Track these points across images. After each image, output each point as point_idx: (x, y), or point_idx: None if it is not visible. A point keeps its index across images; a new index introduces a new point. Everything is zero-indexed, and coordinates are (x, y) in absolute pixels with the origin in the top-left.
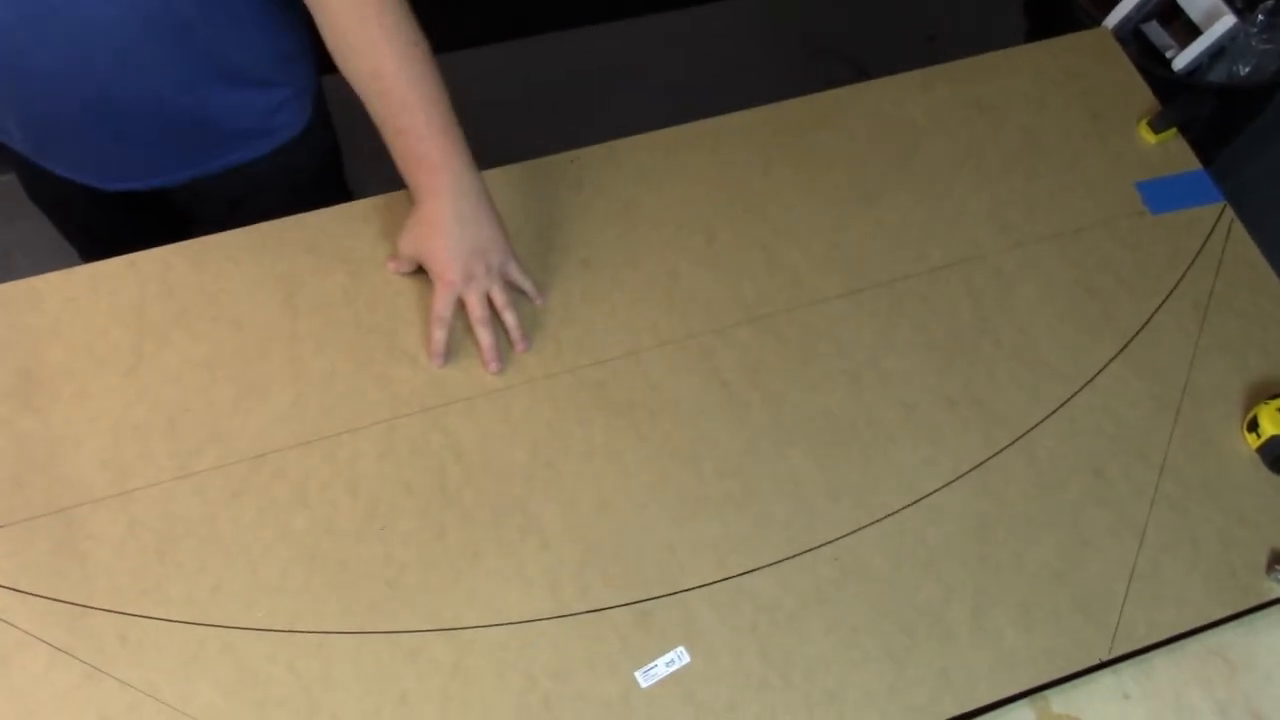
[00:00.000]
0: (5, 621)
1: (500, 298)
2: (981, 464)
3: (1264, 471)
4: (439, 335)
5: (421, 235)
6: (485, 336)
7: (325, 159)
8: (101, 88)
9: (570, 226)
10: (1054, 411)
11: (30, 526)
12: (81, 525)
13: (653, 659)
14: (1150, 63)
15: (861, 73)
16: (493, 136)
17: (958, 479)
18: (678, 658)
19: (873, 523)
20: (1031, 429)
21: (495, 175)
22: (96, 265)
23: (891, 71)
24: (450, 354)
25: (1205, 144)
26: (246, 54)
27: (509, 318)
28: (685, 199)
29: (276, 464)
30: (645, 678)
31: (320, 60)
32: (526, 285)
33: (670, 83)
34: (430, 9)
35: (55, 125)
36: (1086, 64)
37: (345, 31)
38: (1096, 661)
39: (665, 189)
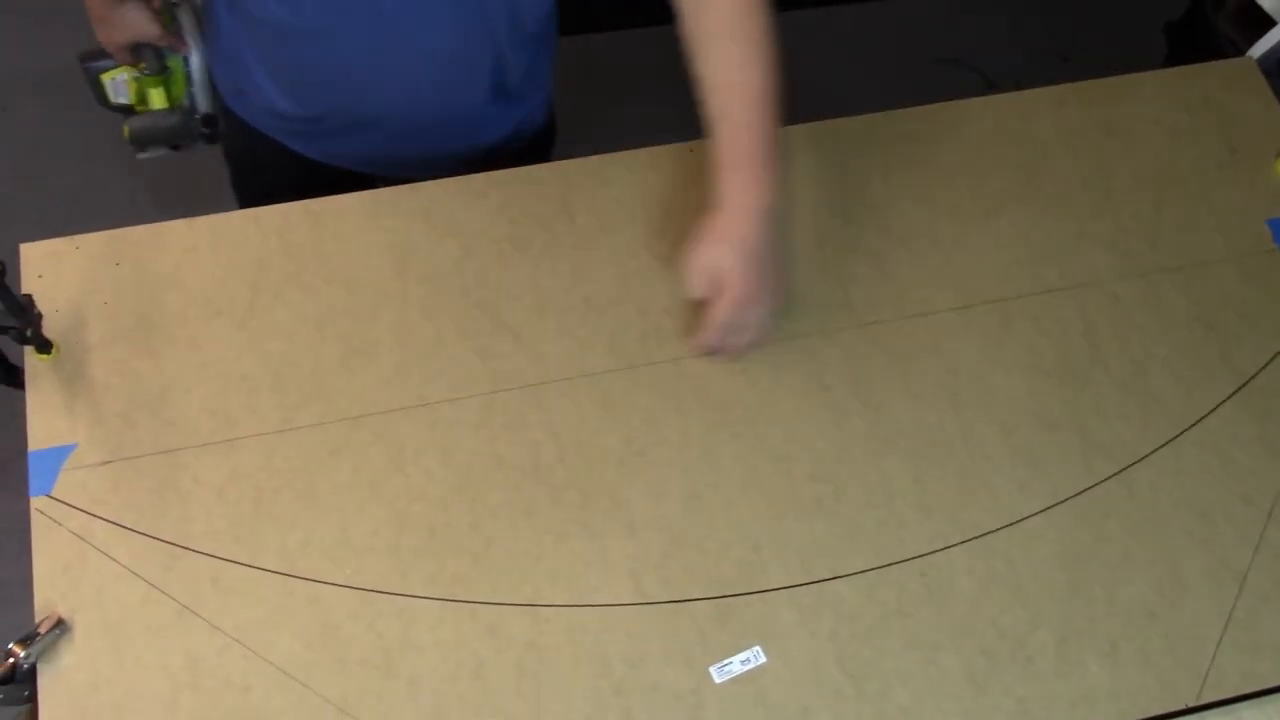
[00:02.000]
0: (105, 554)
1: (757, 337)
2: (1080, 493)
3: None
4: (711, 340)
5: (728, 248)
6: (731, 342)
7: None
8: (415, 109)
9: (683, 216)
10: (1160, 447)
11: (136, 465)
12: (186, 468)
13: (728, 655)
14: None
15: (990, 86)
16: (612, 121)
17: (1054, 506)
18: (753, 657)
19: (963, 541)
20: (1135, 462)
21: (614, 159)
22: (219, 217)
23: (1020, 88)
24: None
25: None
26: (531, 73)
27: (745, 339)
28: (800, 199)
29: (375, 426)
30: (719, 674)
31: None
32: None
33: (791, 82)
34: None
35: (351, 129)
36: (1226, 94)
37: (727, 17)
38: (1183, 706)
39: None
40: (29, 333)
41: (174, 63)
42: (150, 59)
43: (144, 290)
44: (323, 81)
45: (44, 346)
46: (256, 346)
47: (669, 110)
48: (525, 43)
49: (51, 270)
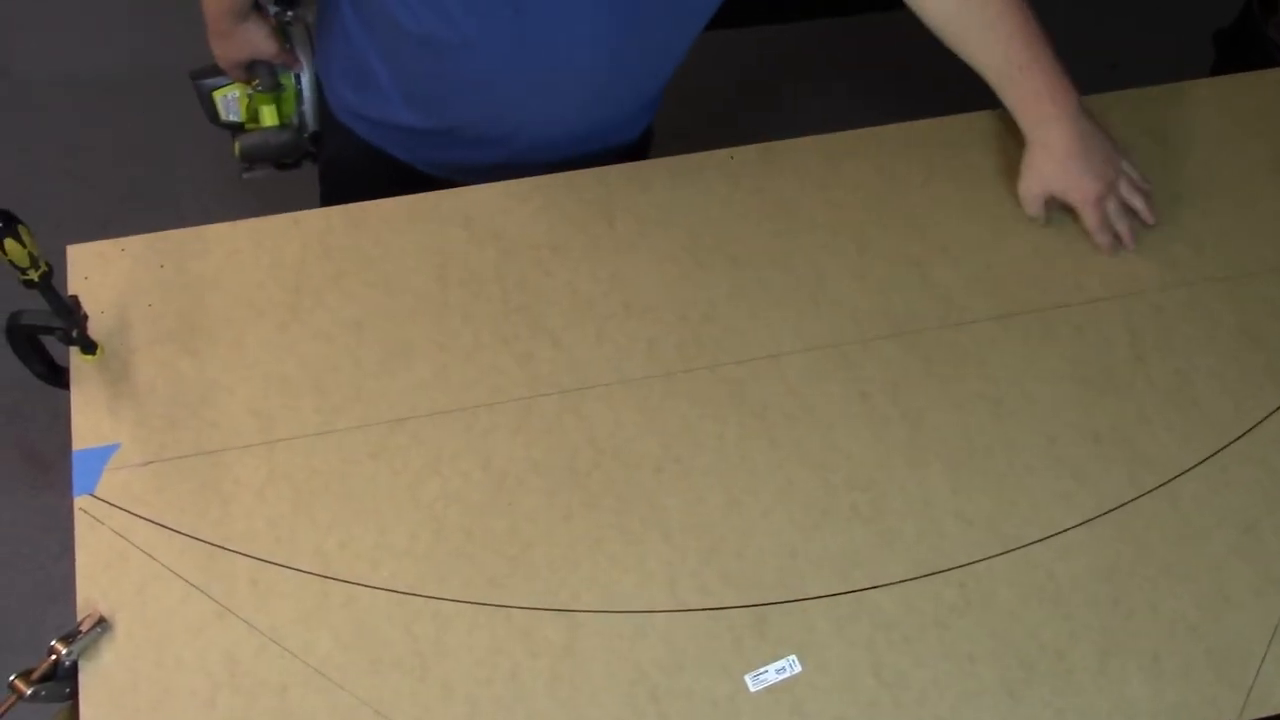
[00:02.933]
0: (146, 553)
1: (1128, 188)
2: (1123, 505)
3: None
4: (1107, 241)
5: (1054, 169)
6: (1124, 228)
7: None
8: (556, 125)
9: (722, 222)
10: (1206, 459)
11: (178, 465)
12: (227, 469)
13: (764, 664)
14: None
15: None
16: (658, 125)
17: (1096, 518)
18: (789, 666)
19: (1003, 552)
20: (1180, 475)
21: (654, 164)
22: (261, 220)
23: None
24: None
25: None
26: (660, 84)
27: (1138, 203)
28: (840, 205)
29: (414, 430)
30: (754, 682)
31: None
32: (1143, 185)
33: (836, 88)
34: None
35: (483, 143)
36: (1275, 103)
37: None
38: None
39: (821, 193)
40: (75, 333)
41: (286, 80)
42: (265, 76)
43: (187, 292)
44: (463, 96)
45: (89, 347)
46: (297, 348)
47: (709, 115)
48: (675, 55)
49: (97, 272)
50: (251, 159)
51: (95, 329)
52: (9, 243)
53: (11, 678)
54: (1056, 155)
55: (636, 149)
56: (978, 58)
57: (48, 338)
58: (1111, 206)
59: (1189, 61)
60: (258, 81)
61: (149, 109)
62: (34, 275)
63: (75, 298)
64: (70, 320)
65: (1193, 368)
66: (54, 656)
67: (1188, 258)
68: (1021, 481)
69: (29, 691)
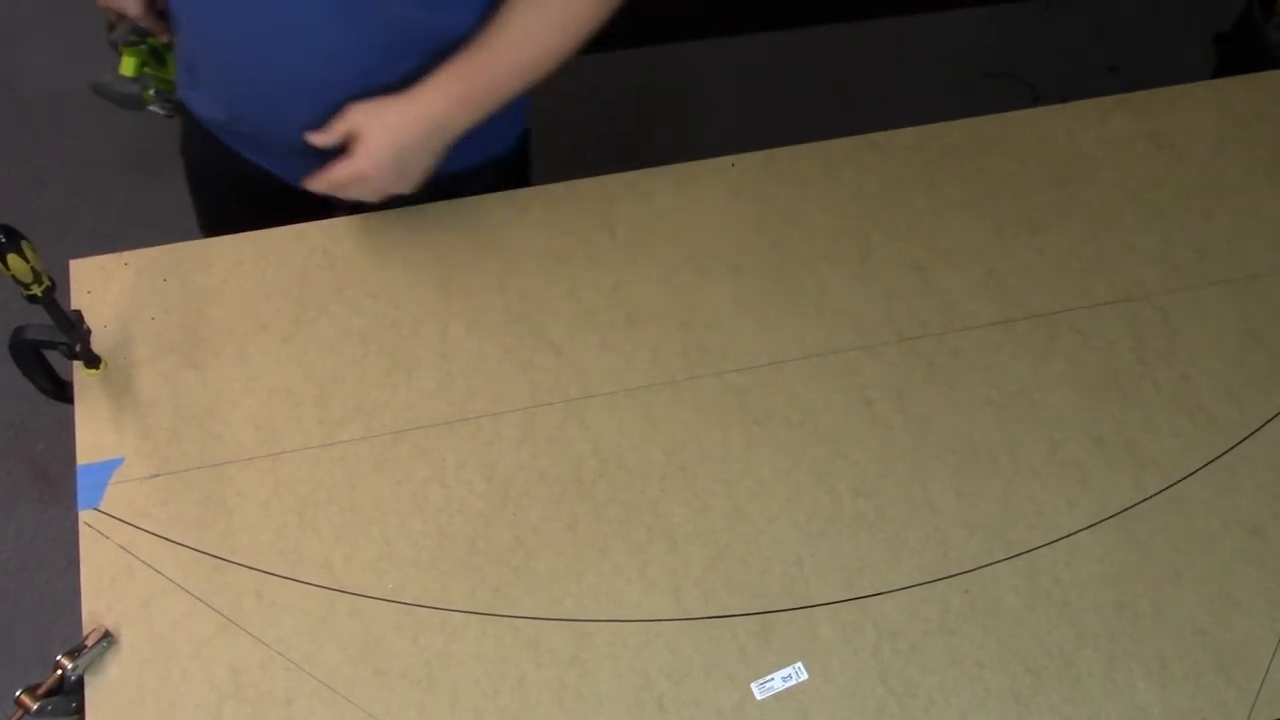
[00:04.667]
0: (151, 567)
1: (363, 198)
2: (1128, 509)
3: None
4: (318, 187)
5: (382, 118)
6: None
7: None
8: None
9: (724, 230)
10: (1211, 462)
11: (183, 478)
12: (230, 482)
13: (770, 672)
14: None
15: (1036, 99)
16: (654, 135)
17: (1101, 522)
18: (796, 673)
19: (1008, 558)
20: (1185, 478)
21: (654, 174)
22: (264, 233)
23: (1067, 99)
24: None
25: None
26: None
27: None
28: (843, 212)
29: (418, 440)
30: (761, 690)
31: None
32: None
33: (838, 95)
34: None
35: (274, 145)
36: (1276, 105)
37: None
38: None
39: (823, 200)
40: (78, 348)
41: (165, 51)
42: (122, 32)
43: (191, 305)
44: (242, 89)
45: (92, 361)
46: (301, 361)
47: (708, 124)
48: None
49: (100, 286)
50: (100, 95)
51: (99, 343)
52: (12, 258)
53: (18, 692)
54: (398, 115)
55: (507, 180)
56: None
57: (52, 352)
58: (357, 191)
59: (1189, 64)
60: (117, 32)
61: (152, 124)
62: (37, 290)
63: (78, 312)
64: (74, 335)
65: (1197, 371)
66: (60, 671)
67: (1191, 261)
68: (1026, 486)
69: (35, 706)
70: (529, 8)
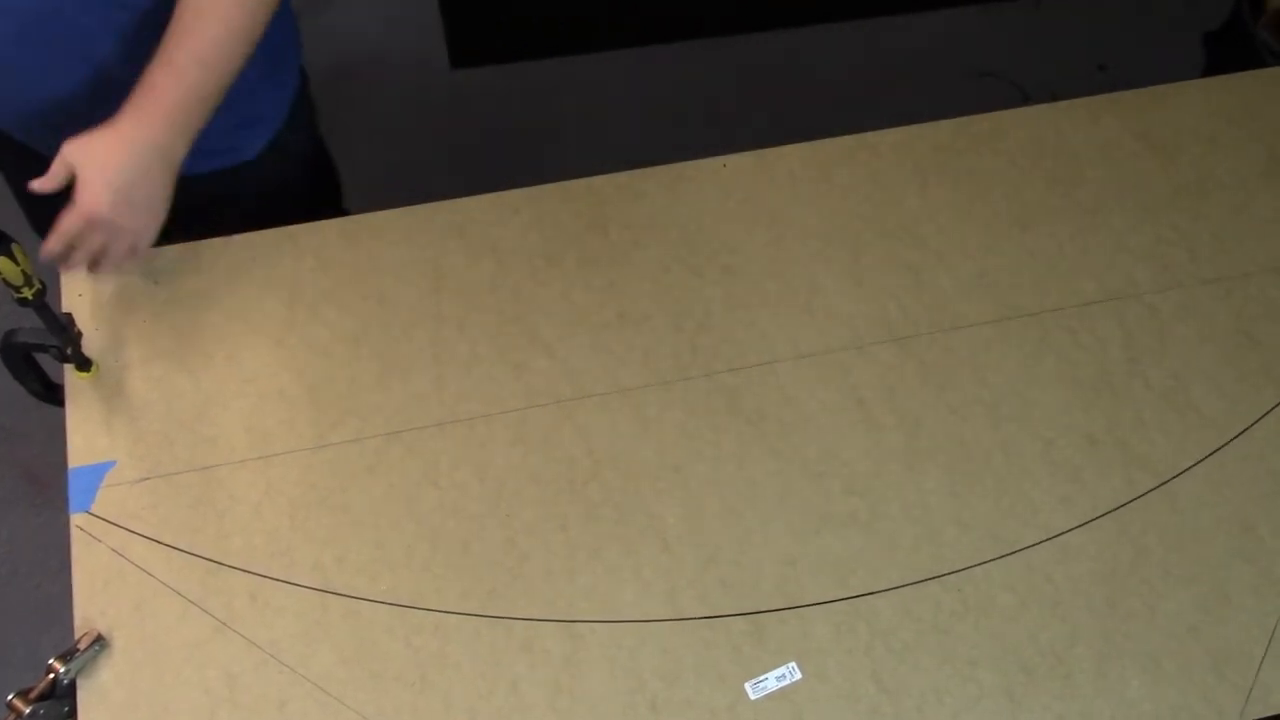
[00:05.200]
0: (144, 571)
1: (121, 254)
2: (1120, 507)
3: None
4: (54, 248)
5: (93, 154)
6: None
7: (306, 170)
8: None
9: (716, 231)
10: (1202, 459)
11: (175, 481)
12: (222, 484)
13: (764, 672)
14: None
15: (1025, 98)
16: (645, 136)
17: (1093, 520)
18: (789, 673)
19: (1000, 556)
20: (1176, 475)
21: (646, 173)
22: (255, 235)
23: (1057, 99)
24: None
25: None
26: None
27: (108, 263)
28: (834, 212)
29: (410, 442)
30: (754, 690)
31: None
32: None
33: (829, 94)
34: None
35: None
36: (1266, 103)
37: None
38: None
39: (815, 200)
40: (69, 351)
41: None
42: None
43: (182, 308)
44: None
45: (84, 364)
46: (293, 363)
47: (700, 125)
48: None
49: (91, 289)
50: None
51: (90, 346)
52: (3, 261)
53: (10, 696)
54: (111, 145)
55: (295, 186)
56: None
57: (43, 356)
58: (99, 237)
59: (1179, 63)
60: None
61: None
62: (28, 293)
63: (70, 315)
64: (65, 338)
65: (1188, 369)
66: (52, 675)
67: (1181, 259)
68: (1019, 485)
69: (27, 710)
70: (195, 7)
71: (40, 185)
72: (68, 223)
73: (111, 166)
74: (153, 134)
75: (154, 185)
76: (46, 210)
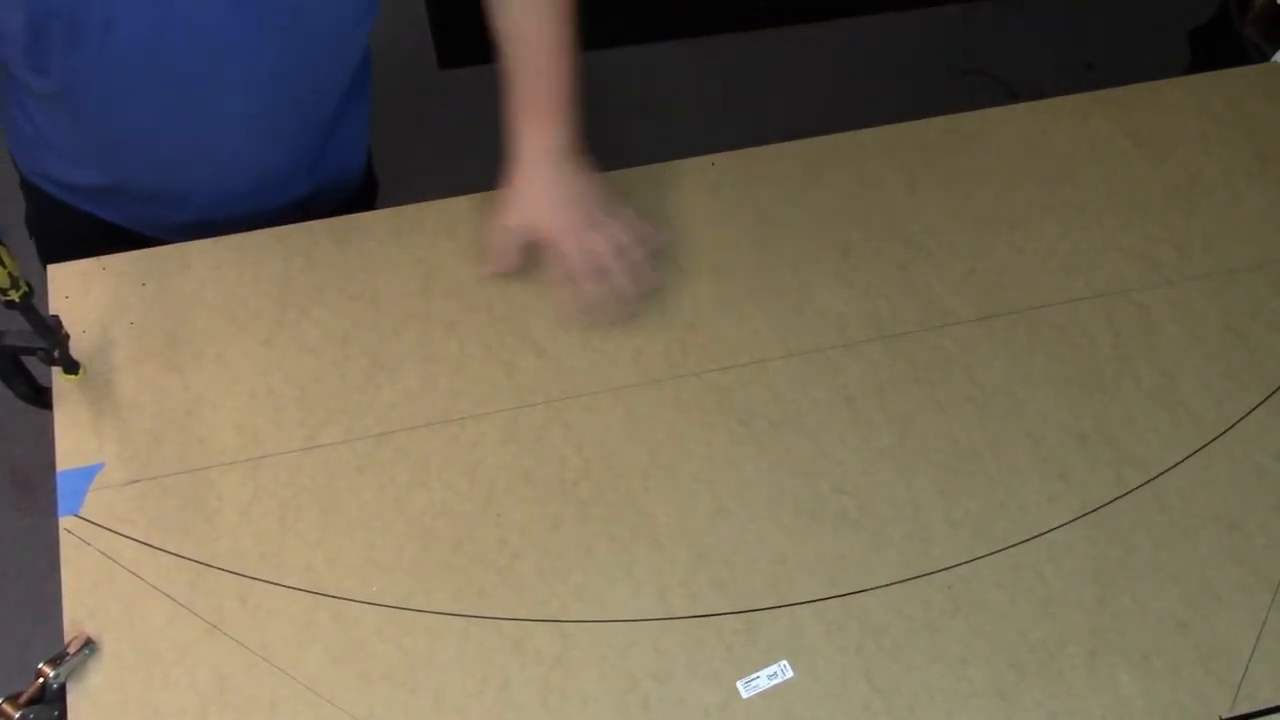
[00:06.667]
0: (133, 574)
1: (625, 237)
2: (1109, 504)
3: None
4: (592, 289)
5: (529, 201)
6: (620, 281)
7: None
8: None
9: (704, 230)
10: (1190, 456)
11: (164, 483)
12: (211, 486)
13: (755, 670)
14: None
15: (1013, 96)
16: (633, 135)
17: (1083, 517)
18: (781, 671)
19: (990, 554)
20: (1165, 472)
21: (633, 174)
22: (243, 236)
23: (1044, 97)
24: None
25: None
26: (344, 125)
27: (639, 254)
28: (823, 211)
29: (400, 442)
30: (746, 688)
31: None
32: (644, 227)
33: (817, 93)
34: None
35: (151, 200)
36: (1253, 100)
37: None
38: (1216, 719)
39: (803, 199)
40: (56, 353)
41: None
42: None
43: (170, 309)
44: (114, 149)
45: (71, 366)
46: (282, 363)
47: (688, 124)
48: (335, 98)
49: (78, 290)
50: None
51: (77, 348)
52: None
53: None
54: (532, 186)
55: (351, 203)
56: (504, 51)
57: (30, 358)
58: (604, 254)
59: (1165, 61)
60: None
61: None
62: (14, 295)
63: (56, 317)
64: (52, 340)
65: (1177, 366)
66: (41, 679)
67: (1170, 257)
68: (1008, 483)
69: (17, 715)
70: (524, 8)
71: (493, 269)
72: (583, 273)
73: (554, 188)
74: (555, 140)
75: (587, 185)
76: (62, 245)
